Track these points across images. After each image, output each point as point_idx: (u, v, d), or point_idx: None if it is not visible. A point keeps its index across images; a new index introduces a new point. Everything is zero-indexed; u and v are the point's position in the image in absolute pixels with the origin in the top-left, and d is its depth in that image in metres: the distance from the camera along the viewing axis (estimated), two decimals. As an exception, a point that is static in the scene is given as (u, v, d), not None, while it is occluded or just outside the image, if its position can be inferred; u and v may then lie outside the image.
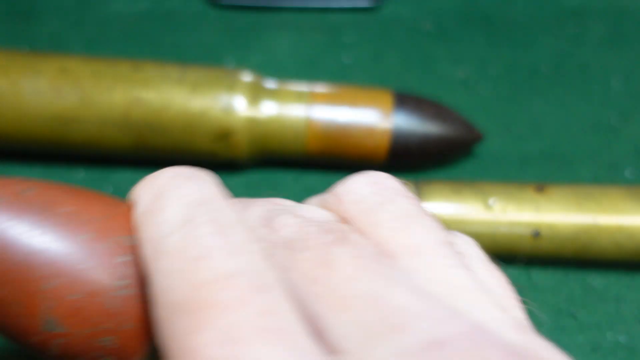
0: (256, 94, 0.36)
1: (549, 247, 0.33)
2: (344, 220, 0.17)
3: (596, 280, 0.34)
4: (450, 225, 0.32)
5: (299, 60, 0.46)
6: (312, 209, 0.18)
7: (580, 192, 0.33)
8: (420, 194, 0.33)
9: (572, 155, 0.41)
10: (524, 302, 0.33)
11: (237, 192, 0.37)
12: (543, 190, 0.33)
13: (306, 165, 0.39)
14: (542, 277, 0.34)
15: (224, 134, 0.36)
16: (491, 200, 0.32)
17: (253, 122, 0.36)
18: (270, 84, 0.37)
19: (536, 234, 0.32)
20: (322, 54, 0.47)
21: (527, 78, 0.46)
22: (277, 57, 0.47)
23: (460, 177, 0.39)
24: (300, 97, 0.37)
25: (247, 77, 0.36)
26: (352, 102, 0.37)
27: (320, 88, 0.37)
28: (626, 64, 0.48)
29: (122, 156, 0.37)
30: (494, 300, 0.15)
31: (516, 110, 0.44)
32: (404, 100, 0.37)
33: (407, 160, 0.37)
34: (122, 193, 0.38)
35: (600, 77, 0.46)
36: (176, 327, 0.13)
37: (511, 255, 0.33)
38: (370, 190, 0.18)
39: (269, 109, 0.36)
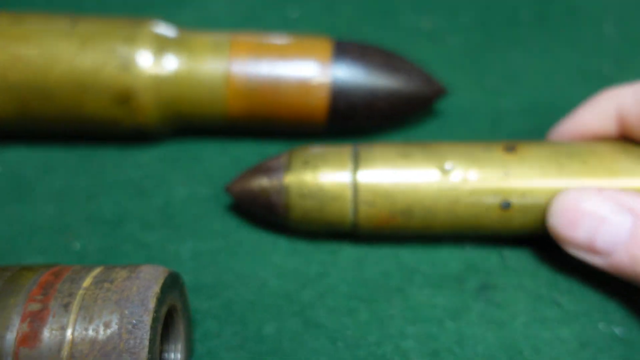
0: (162, 46, 0.29)
1: (523, 220, 0.26)
2: None
3: (585, 258, 0.27)
4: (396, 197, 0.25)
5: (237, 16, 0.39)
6: None
7: (560, 150, 0.26)
8: (358, 159, 0.26)
9: (557, 110, 0.34)
10: (495, 289, 0.27)
11: (151, 167, 0.31)
12: (514, 150, 0.26)
13: (232, 132, 0.32)
14: (516, 257, 0.27)
15: (124, 97, 0.29)
16: (448, 165, 0.26)
17: (159, 81, 0.29)
18: (181, 34, 0.30)
19: (506, 205, 0.25)
20: (264, 8, 0.40)
21: (504, 26, 0.39)
22: (212, 13, 0.40)
23: (420, 139, 0.32)
24: (218, 48, 0.30)
25: (151, 27, 0.30)
26: (282, 53, 0.30)
27: (243, 37, 0.30)
28: (620, 6, 0.40)
29: (7, 128, 0.31)
30: None
31: (490, 61, 0.37)
32: (345, 48, 0.30)
33: (352, 120, 0.30)
34: (13, 173, 0.32)
35: (591, 22, 0.39)
36: None
37: (477, 232, 0.27)
38: None
39: (178, 64, 0.29)
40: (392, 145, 0.27)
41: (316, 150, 0.27)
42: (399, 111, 0.31)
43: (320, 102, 0.30)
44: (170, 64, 0.29)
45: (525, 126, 0.33)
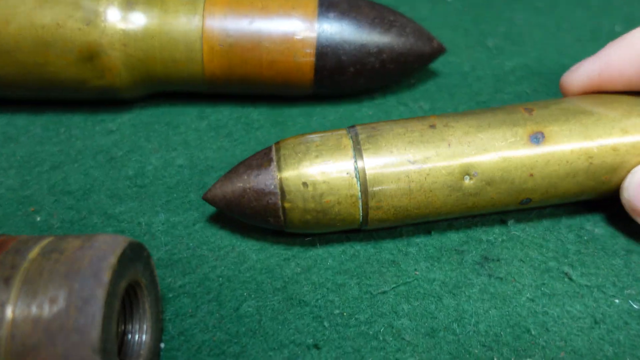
0: (131, -2, 0.27)
1: (541, 206, 0.24)
2: None
3: (598, 225, 0.25)
4: (411, 212, 0.22)
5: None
6: None
7: (592, 134, 0.22)
8: (360, 145, 0.22)
9: (565, 70, 0.31)
10: (499, 261, 0.24)
11: (122, 133, 0.28)
12: (543, 138, 0.22)
13: (213, 96, 0.30)
14: (522, 225, 0.25)
15: (89, 54, 0.26)
16: (469, 176, 0.22)
17: (127, 37, 0.26)
18: (153, -14, 0.28)
19: (526, 201, 0.23)
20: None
21: (507, -18, 0.36)
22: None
23: (418, 102, 0.30)
24: (193, 1, 0.27)
25: (119, -23, 0.27)
26: (264, 6, 0.27)
27: (221, -11, 0.28)
28: (633, -39, 0.38)
29: (-36, 92, 0.28)
30: None
31: (492, 20, 0.34)
32: (332, 1, 0.28)
33: (341, 79, 0.28)
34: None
35: (601, -23, 0.37)
36: None
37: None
38: None
39: (148, 19, 0.27)
40: (397, 131, 0.22)
41: (309, 151, 0.22)
42: (392, 70, 0.28)
43: (305, 60, 0.27)
44: (140, 18, 0.27)
45: (531, 87, 0.30)
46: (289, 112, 0.29)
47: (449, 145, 0.22)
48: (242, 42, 0.27)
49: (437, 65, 0.31)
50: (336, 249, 0.24)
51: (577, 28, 0.34)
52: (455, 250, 0.24)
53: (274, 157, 0.22)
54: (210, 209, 0.25)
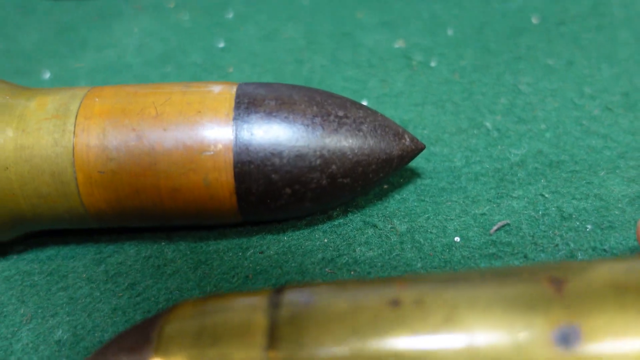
0: (-24, 117, 0.18)
1: None
2: None
3: None
4: None
5: (153, 55, 0.29)
6: None
7: None
8: (274, 331, 0.13)
9: (601, 158, 0.22)
10: None
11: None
12: (577, 339, 0.12)
13: (114, 229, 0.21)
14: None
15: None
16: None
17: (-30, 171, 0.18)
18: (11, 95, 0.19)
19: None
20: (190, 40, 0.29)
21: (510, 36, 0.27)
22: (122, 54, 0.29)
23: (391, 221, 0.20)
24: (62, 113, 0.19)
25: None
26: (158, 115, 0.19)
27: (104, 92, 0.19)
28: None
29: None
30: None
31: (490, 87, 0.25)
32: (255, 97, 0.19)
33: (276, 205, 0.19)
34: None
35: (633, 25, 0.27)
36: None
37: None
38: None
39: (0, 142, 0.18)
40: (339, 310, 0.13)
41: (202, 335, 0.13)
42: (348, 185, 0.19)
43: (220, 183, 0.18)
44: (-11, 143, 0.18)
45: (550, 187, 0.21)
46: (215, 246, 0.20)
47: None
48: (130, 166, 0.18)
49: (417, 159, 0.22)
50: None
51: (605, 91, 0.24)
52: None
53: (154, 338, 0.13)
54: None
